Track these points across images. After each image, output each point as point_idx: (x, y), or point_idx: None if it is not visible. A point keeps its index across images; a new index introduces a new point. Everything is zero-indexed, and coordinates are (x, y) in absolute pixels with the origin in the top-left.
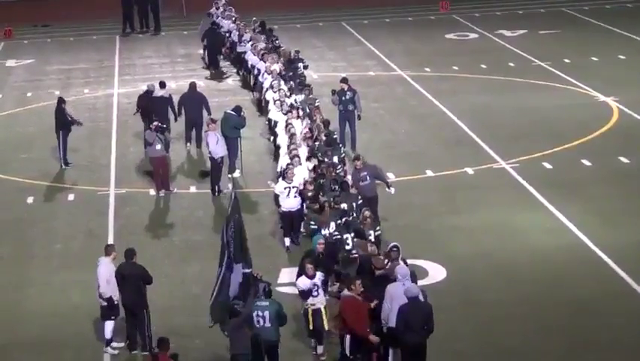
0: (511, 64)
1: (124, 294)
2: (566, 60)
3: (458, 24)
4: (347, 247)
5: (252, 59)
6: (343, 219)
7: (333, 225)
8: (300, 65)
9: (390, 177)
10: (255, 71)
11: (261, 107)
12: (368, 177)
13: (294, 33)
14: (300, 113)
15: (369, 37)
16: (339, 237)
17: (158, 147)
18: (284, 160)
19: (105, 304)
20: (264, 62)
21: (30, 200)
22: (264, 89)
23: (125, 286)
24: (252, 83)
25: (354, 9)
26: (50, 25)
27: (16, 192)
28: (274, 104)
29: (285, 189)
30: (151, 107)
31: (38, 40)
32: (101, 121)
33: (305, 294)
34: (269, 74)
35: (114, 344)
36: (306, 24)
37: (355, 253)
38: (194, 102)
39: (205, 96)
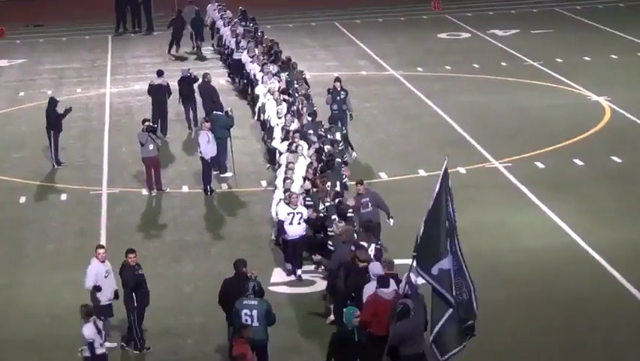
0: (504, 63)
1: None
2: (559, 60)
3: (450, 23)
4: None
5: (252, 67)
6: (337, 200)
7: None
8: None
9: (383, 177)
10: (254, 81)
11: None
12: (370, 204)
13: (287, 33)
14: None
15: (361, 37)
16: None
17: (151, 147)
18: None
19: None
20: (263, 72)
21: (22, 200)
22: (267, 115)
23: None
24: (249, 91)
25: (347, 9)
26: (43, 25)
27: (9, 191)
28: (280, 136)
29: (288, 215)
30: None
31: (30, 40)
32: (93, 120)
33: None
34: (275, 100)
35: (107, 344)
36: (299, 24)
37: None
38: (207, 93)
39: (215, 89)
